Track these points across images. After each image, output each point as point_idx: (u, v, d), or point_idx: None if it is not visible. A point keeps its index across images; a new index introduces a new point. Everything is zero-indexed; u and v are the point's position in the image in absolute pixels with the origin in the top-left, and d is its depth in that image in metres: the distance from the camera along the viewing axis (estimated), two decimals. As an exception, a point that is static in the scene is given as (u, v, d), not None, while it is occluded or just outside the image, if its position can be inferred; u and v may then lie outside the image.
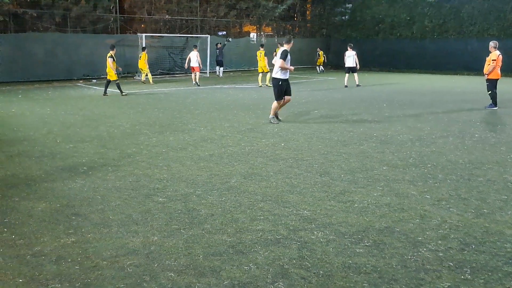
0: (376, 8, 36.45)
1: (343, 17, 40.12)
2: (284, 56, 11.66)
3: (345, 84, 22.46)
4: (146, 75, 24.77)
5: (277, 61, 11.79)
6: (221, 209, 5.61)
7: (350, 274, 3.99)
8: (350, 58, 22.51)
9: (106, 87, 18.98)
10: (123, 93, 18.63)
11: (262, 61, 22.66)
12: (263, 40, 35.59)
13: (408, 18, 34.49)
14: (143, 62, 24.35)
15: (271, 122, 11.88)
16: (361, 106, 15.14)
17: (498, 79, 14.44)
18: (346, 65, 22.76)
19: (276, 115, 12.24)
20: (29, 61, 24.79)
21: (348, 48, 22.69)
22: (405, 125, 11.42)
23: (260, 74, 23.16)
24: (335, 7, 40.11)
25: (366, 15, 37.11)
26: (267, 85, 22.65)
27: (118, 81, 18.76)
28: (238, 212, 5.50)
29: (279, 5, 36.20)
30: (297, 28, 41.77)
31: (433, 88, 21.91)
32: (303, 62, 31.85)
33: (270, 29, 39.55)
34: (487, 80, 14.55)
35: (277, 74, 11.83)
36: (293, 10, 40.51)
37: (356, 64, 22.56)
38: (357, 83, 22.64)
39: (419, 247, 4.51)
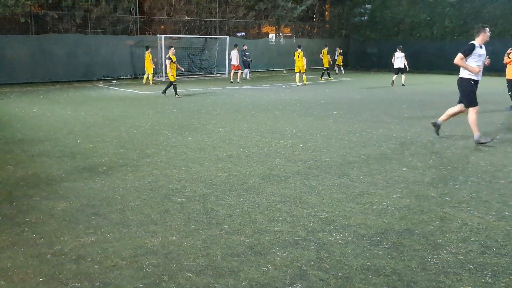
0: (395, 9, 36.20)
1: (362, 18, 39.94)
2: (465, 50, 9.00)
3: (393, 81, 23.69)
4: (148, 76, 24.78)
5: (457, 56, 9.08)
6: (239, 210, 5.61)
7: (369, 276, 3.96)
8: (399, 59, 23.53)
9: (175, 89, 18.86)
10: (165, 94, 18.82)
11: (300, 61, 23.10)
12: (288, 41, 35.54)
13: (428, 19, 34.18)
14: (148, 62, 24.45)
15: (481, 143, 9.10)
16: (381, 107, 15.04)
17: None
18: (395, 66, 23.76)
19: (438, 127, 9.97)
20: (50, 62, 25.11)
21: (398, 50, 23.63)
22: (425, 127, 11.31)
23: (298, 74, 23.57)
24: (354, 7, 39.91)
25: (386, 16, 36.88)
26: (304, 84, 23.66)
27: (174, 83, 18.84)
28: (256, 213, 5.50)
29: (298, 6, 36.11)
30: (315, 29, 41.64)
31: (454, 89, 21.48)
32: (321, 63, 31.67)
33: (289, 30, 39.49)
34: (508, 80, 14.35)
35: (465, 73, 9.26)
36: (312, 11, 40.36)
37: (405, 66, 23.56)
38: (402, 82, 23.54)
39: (439, 249, 4.47)
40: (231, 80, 25.72)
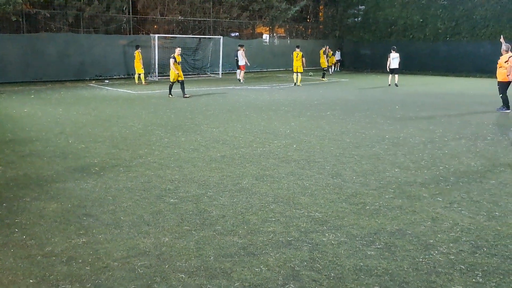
0: (389, 10, 36.34)
1: (356, 19, 40.04)
2: None
3: (389, 83, 23.93)
4: (140, 76, 24.60)
5: None
6: (232, 210, 5.61)
7: (361, 276, 3.96)
8: (395, 59, 23.60)
9: (170, 89, 18.86)
10: (187, 95, 18.62)
11: (298, 61, 23.40)
12: (277, 41, 35.53)
13: (421, 20, 34.35)
14: (137, 62, 24.34)
15: None
16: (374, 108, 15.07)
17: (509, 82, 14.24)
18: (391, 66, 23.75)
19: None
20: (41, 61, 24.94)
21: (392, 51, 23.66)
22: (417, 127, 11.35)
23: (295, 74, 23.83)
24: (348, 8, 40.01)
25: (379, 17, 37.02)
26: (298, 85, 23.73)
27: (172, 84, 18.71)
28: (249, 213, 5.49)
29: (292, 7, 36.14)
30: (309, 30, 41.68)
31: (446, 90, 21.78)
32: (315, 64, 31.77)
33: (282, 30, 39.51)
34: (499, 83, 14.42)
35: None
36: (306, 12, 40.38)
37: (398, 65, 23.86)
38: (396, 82, 23.70)
39: (431, 249, 4.48)
40: (241, 80, 25.74)
